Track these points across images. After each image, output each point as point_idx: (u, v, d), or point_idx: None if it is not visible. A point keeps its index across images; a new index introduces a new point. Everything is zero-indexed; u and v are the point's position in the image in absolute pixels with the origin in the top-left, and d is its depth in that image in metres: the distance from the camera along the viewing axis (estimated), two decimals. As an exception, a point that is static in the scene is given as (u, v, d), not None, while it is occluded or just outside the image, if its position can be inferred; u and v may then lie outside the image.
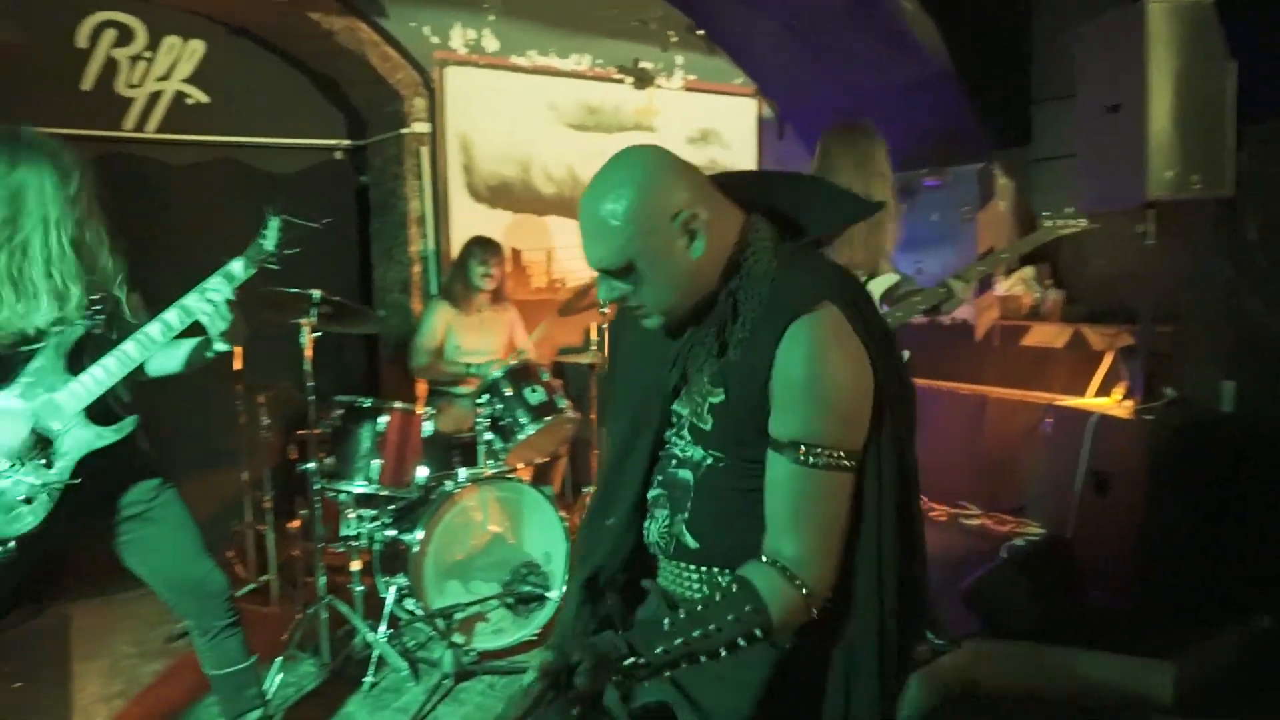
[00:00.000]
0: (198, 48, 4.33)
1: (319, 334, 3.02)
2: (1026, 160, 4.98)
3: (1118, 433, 3.57)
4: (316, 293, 2.95)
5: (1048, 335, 4.64)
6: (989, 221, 4.93)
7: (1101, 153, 3.60)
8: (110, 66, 4.15)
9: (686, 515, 1.40)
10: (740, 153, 5.50)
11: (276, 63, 4.59)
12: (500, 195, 4.69)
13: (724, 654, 1.25)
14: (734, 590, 1.26)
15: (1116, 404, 3.79)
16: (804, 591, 1.26)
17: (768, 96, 5.59)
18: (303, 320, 2.95)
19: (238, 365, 3.57)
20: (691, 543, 1.40)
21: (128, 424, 2.12)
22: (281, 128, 4.59)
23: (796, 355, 1.26)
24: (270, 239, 2.11)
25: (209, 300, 2.03)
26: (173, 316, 2.06)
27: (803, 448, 1.26)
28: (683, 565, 1.43)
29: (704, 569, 1.41)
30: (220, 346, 2.12)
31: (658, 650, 1.22)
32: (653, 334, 1.44)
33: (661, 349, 1.46)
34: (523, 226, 4.78)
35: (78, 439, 2.04)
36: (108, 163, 3.77)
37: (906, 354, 3.01)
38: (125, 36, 4.16)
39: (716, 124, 5.39)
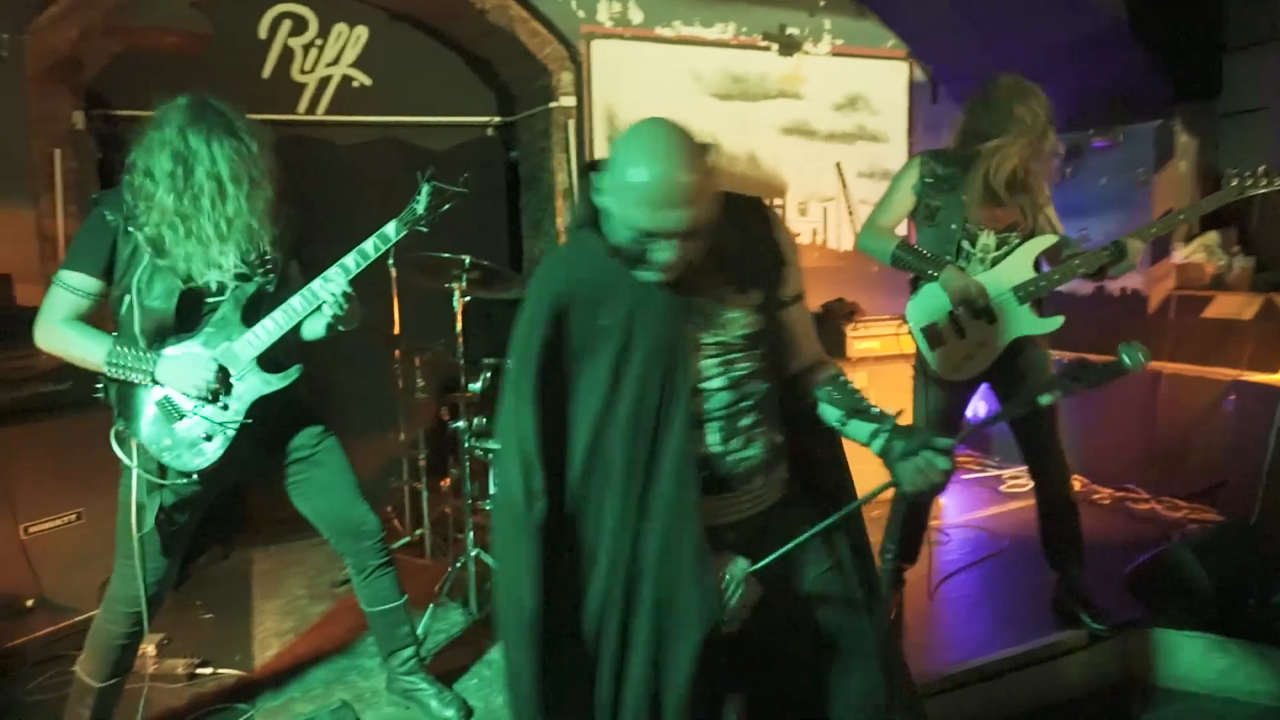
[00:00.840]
0: (362, 33, 4.59)
1: (469, 299, 3.16)
2: (1213, 115, 4.54)
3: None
4: (467, 258, 3.08)
5: (1233, 306, 4.23)
6: (1167, 184, 4.55)
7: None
8: (286, 55, 4.47)
9: (753, 426, 1.66)
10: (890, 118, 5.30)
11: (432, 44, 4.80)
12: (643, 167, 4.72)
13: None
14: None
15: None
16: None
17: (920, 59, 5.35)
18: (454, 285, 3.09)
19: (396, 330, 3.79)
20: (758, 452, 1.67)
21: (293, 372, 2.30)
22: (437, 107, 4.80)
23: (785, 232, 1.75)
24: (422, 203, 2.23)
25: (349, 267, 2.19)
26: (332, 272, 2.22)
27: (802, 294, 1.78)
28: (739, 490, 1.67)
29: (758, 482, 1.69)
30: (338, 326, 2.25)
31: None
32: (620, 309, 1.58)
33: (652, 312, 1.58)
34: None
35: (251, 385, 2.23)
36: (284, 144, 4.05)
37: (1059, 320, 2.84)
38: (299, 26, 4.47)
39: (866, 89, 5.22)
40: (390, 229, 2.24)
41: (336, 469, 2.40)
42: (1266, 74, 4.28)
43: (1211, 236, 4.45)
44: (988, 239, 2.84)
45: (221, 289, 2.21)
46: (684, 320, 1.59)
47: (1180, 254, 4.51)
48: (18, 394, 3.15)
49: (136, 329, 2.15)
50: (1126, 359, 1.67)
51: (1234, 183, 2.75)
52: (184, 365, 2.15)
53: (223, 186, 2.11)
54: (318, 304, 2.22)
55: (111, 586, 2.31)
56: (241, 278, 2.21)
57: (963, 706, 2.76)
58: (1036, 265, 2.84)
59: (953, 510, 4.32)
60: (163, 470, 2.21)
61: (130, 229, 2.13)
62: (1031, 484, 3.14)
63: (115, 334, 2.18)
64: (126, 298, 2.15)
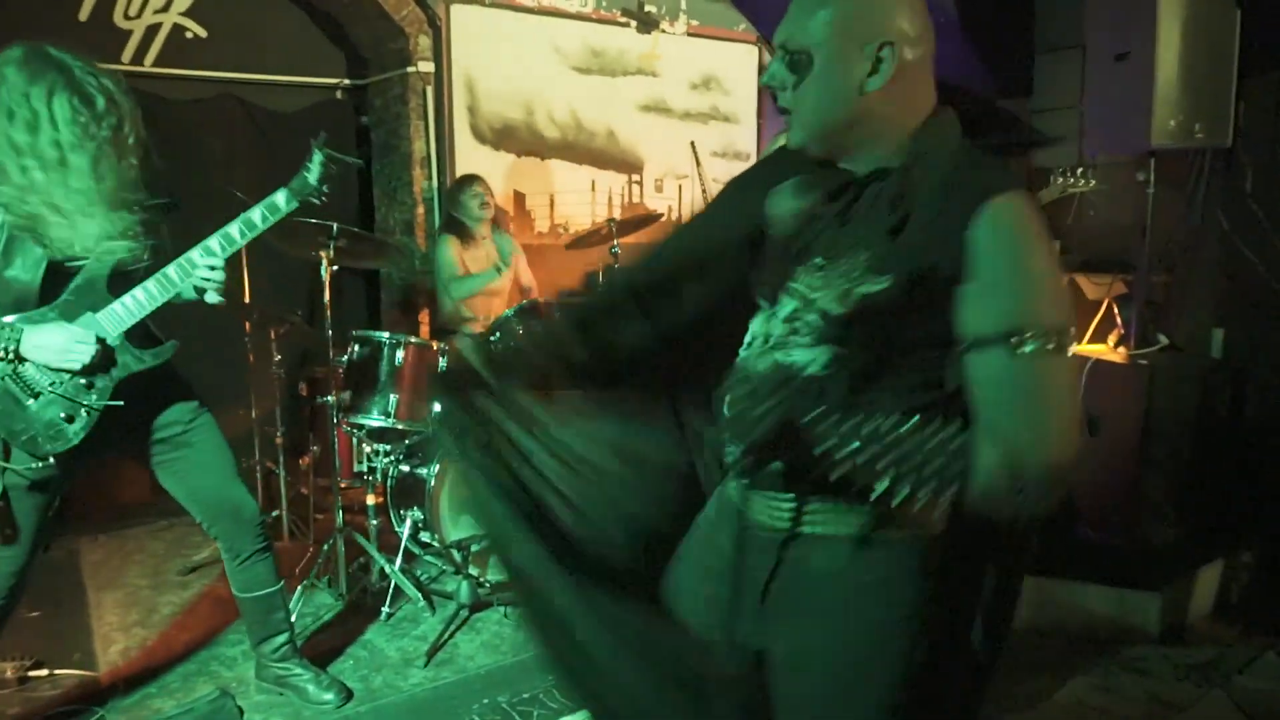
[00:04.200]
0: (196, -21, 4.24)
1: (335, 268, 3.02)
2: (1028, 111, 5.00)
3: (1111, 377, 3.66)
4: (334, 224, 2.95)
5: (1043, 285, 4.71)
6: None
7: (1107, 101, 3.64)
8: (108, -3, 4.06)
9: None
10: (741, 100, 5.48)
11: (275, -2, 4.51)
12: (504, 137, 4.67)
13: (892, 487, 1.00)
14: (952, 433, 1.00)
15: (1110, 350, 3.89)
16: (1020, 488, 1.04)
17: (769, 44, 5.56)
18: (323, 253, 2.95)
19: (246, 299, 3.56)
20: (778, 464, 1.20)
21: (167, 349, 2.14)
22: (280, 66, 4.52)
23: (1006, 239, 1.10)
24: (314, 173, 2.12)
25: (232, 238, 2.06)
26: (214, 242, 2.07)
27: (1017, 337, 1.07)
28: (770, 495, 1.25)
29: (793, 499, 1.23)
30: (212, 299, 2.14)
31: (842, 427, 1.02)
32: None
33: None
34: (526, 169, 4.76)
35: (120, 361, 2.05)
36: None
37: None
38: (122, -35, 4.07)
39: (719, 71, 5.37)
40: (280, 199, 2.12)
41: (211, 448, 2.26)
42: (1071, 76, 4.76)
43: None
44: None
45: (83, 255, 2.01)
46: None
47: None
48: None
49: None
50: None
51: (1059, 181, 3.07)
52: (55, 339, 1.95)
53: (68, 155, 1.92)
54: (193, 276, 2.07)
55: None
56: (108, 242, 2.02)
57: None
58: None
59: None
60: (7, 451, 2.00)
61: None
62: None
63: None
64: None
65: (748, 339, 1.30)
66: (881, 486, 0.99)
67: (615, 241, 4.07)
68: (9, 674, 2.65)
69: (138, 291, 2.05)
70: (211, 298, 2.14)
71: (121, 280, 2.06)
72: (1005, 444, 1.05)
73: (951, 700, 1.32)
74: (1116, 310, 3.99)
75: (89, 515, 3.84)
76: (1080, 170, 3.05)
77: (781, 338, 1.24)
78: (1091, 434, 3.67)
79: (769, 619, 1.26)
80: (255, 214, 2.10)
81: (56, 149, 1.91)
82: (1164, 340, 3.71)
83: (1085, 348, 4.13)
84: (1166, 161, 3.60)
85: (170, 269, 2.05)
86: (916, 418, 1.00)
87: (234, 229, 2.09)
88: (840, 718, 1.26)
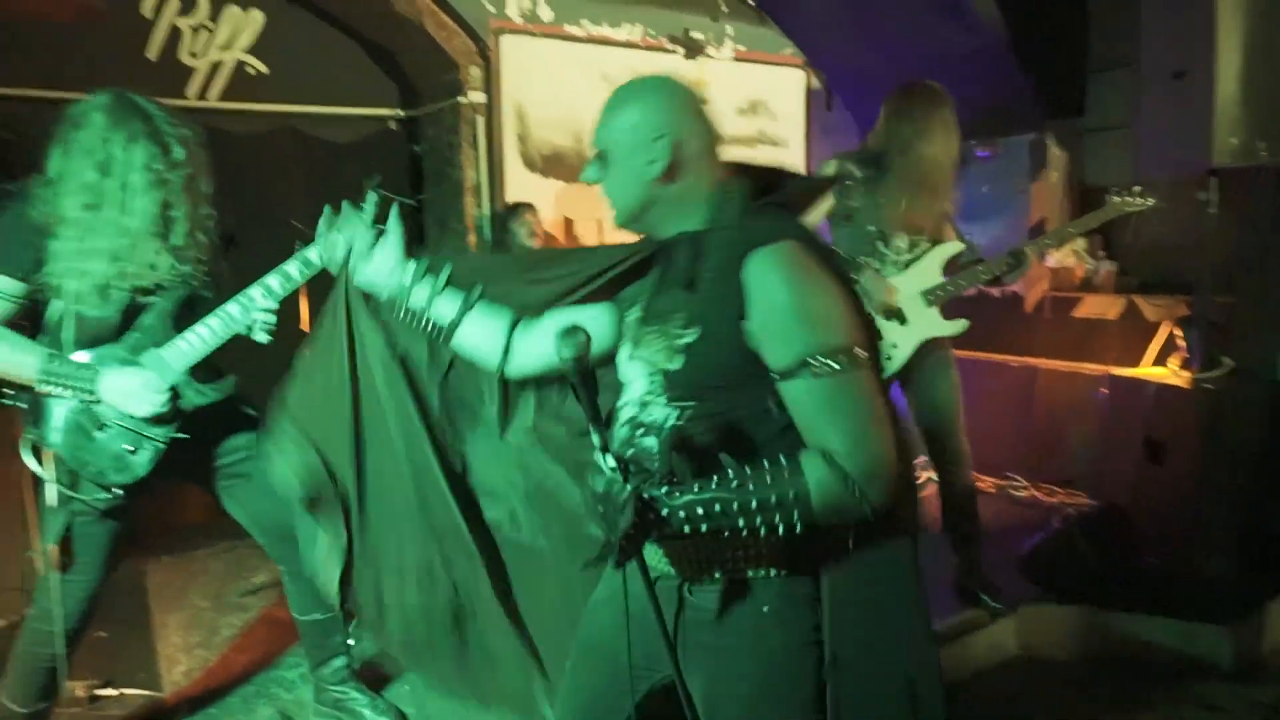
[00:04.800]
0: (257, 18, 4.39)
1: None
2: (1079, 131, 4.94)
3: (1176, 402, 3.58)
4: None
5: (1100, 306, 4.63)
6: (1041, 193, 4.92)
7: (1163, 120, 3.58)
8: (174, 36, 4.22)
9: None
10: (788, 124, 5.50)
11: (331, 33, 4.63)
12: (553, 164, 4.74)
13: (753, 532, 1.24)
14: (780, 466, 1.24)
15: (1173, 374, 3.80)
16: (853, 485, 1.23)
17: (816, 68, 5.57)
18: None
19: (305, 327, 3.64)
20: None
21: (228, 384, 2.20)
22: (337, 97, 4.65)
23: (772, 282, 1.29)
24: (368, 213, 2.18)
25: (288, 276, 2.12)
26: (273, 281, 2.13)
27: (812, 361, 1.26)
28: (652, 548, 1.40)
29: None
30: (260, 338, 2.18)
31: (684, 497, 1.23)
32: None
33: None
34: (575, 196, 4.82)
35: (183, 395, 2.11)
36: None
37: (965, 323, 3.05)
38: (188, 6, 4.23)
39: (765, 95, 5.39)
40: None
41: None
42: (1124, 95, 4.69)
43: (1080, 242, 4.85)
44: (900, 241, 3.00)
45: (152, 292, 2.09)
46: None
47: (1053, 258, 4.89)
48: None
49: (67, 337, 2.01)
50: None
51: (1115, 200, 3.02)
52: (129, 383, 2.02)
53: (136, 198, 2.01)
54: (257, 310, 2.12)
55: (35, 605, 2.15)
56: (173, 280, 2.10)
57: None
58: (944, 270, 3.03)
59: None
60: (75, 482, 2.07)
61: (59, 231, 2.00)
62: (926, 475, 3.33)
63: (40, 338, 2.03)
64: (57, 303, 2.01)
65: (619, 407, 1.43)
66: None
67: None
68: (79, 692, 2.72)
69: (200, 328, 2.12)
70: (260, 336, 2.19)
71: (185, 316, 2.13)
72: (827, 455, 1.25)
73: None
74: (1178, 333, 3.90)
75: (153, 537, 3.92)
76: (1138, 190, 3.00)
77: (642, 398, 1.40)
78: (1153, 460, 3.58)
79: (683, 655, 1.35)
80: (311, 252, 2.16)
81: (123, 191, 2.01)
82: (1228, 363, 3.61)
83: (1146, 371, 4.04)
84: (1227, 180, 3.53)
85: (231, 306, 2.12)
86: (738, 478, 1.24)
87: (292, 267, 2.14)
88: None
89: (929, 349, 3.03)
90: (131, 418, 2.06)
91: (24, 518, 3.14)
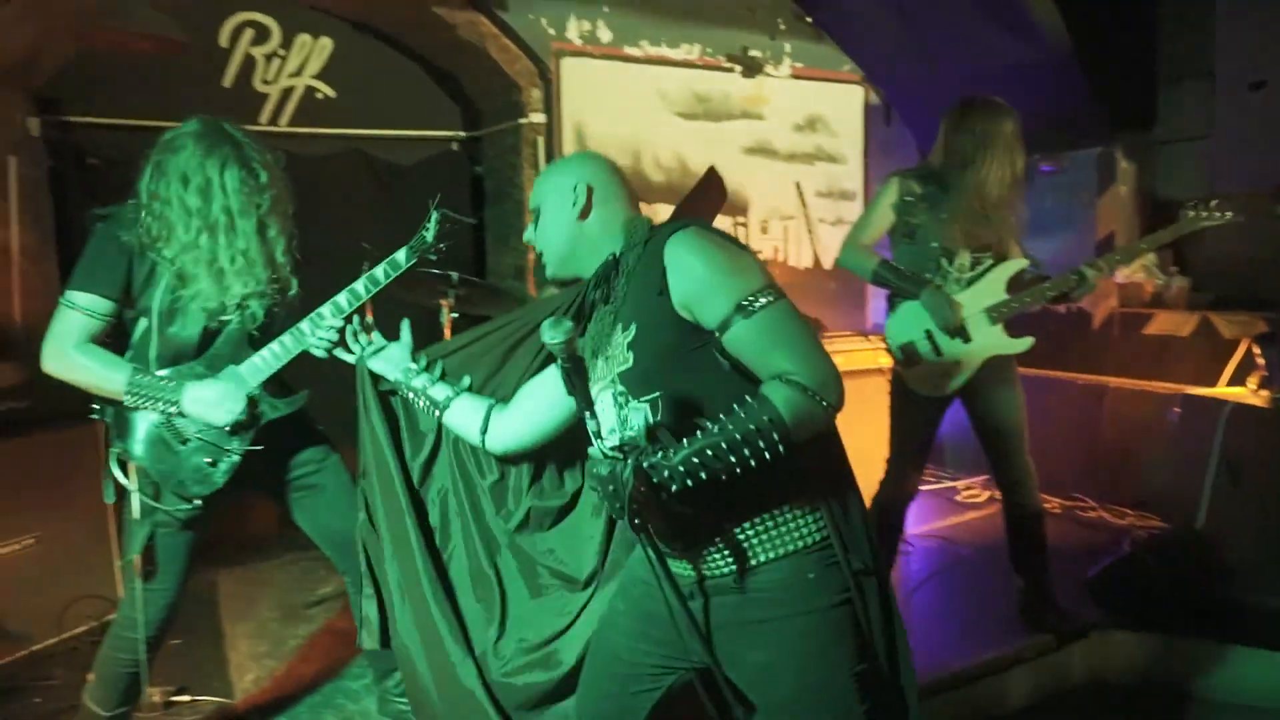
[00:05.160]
0: (326, 45, 4.54)
1: (455, 315, 3.14)
2: (1150, 143, 4.81)
3: (1253, 422, 3.45)
4: (454, 274, 3.07)
5: (1172, 323, 4.49)
6: (1109, 207, 4.80)
7: (1240, 131, 3.48)
8: (248, 64, 4.39)
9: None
10: (847, 140, 5.47)
11: (397, 57, 4.77)
12: (612, 183, 4.78)
13: (746, 466, 1.39)
14: (749, 402, 1.40)
15: (1251, 393, 3.66)
16: (812, 393, 1.40)
17: (874, 83, 5.54)
18: (444, 301, 3.08)
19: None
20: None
21: (300, 398, 2.27)
22: (401, 120, 4.78)
23: (685, 256, 1.49)
24: (431, 231, 2.23)
25: (357, 293, 2.19)
26: (342, 299, 2.20)
27: (741, 304, 1.44)
28: (665, 549, 1.56)
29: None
30: (319, 353, 2.23)
31: (679, 455, 1.38)
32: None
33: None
34: (632, 214, 4.85)
35: (260, 408, 2.19)
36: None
37: (1030, 340, 2.99)
38: (262, 35, 4.40)
39: (824, 111, 5.38)
40: (401, 256, 2.23)
41: (339, 488, 2.38)
42: (1198, 106, 4.56)
43: (1150, 257, 4.71)
44: (963, 258, 2.96)
45: (227, 313, 2.18)
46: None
47: (1122, 274, 4.76)
48: (-29, 413, 3.03)
49: (152, 354, 2.10)
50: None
51: (1190, 214, 2.93)
52: (212, 395, 2.11)
53: (236, 220, 2.11)
54: (325, 327, 2.19)
55: (119, 613, 2.24)
56: (249, 301, 2.18)
57: (942, 711, 2.86)
58: (1008, 287, 2.98)
59: (913, 521, 4.46)
60: (158, 494, 2.15)
61: (149, 253, 2.09)
62: (989, 494, 3.26)
63: (129, 356, 2.13)
64: (143, 321, 2.10)
65: (592, 432, 1.52)
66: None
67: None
68: (156, 698, 2.81)
69: (274, 345, 2.19)
70: (318, 353, 2.24)
71: (260, 333, 2.22)
72: (783, 377, 1.41)
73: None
74: (1257, 350, 3.76)
75: (223, 549, 4.04)
76: (1214, 203, 2.91)
77: (619, 416, 1.50)
78: (1233, 484, 3.45)
79: (737, 636, 1.55)
80: (379, 271, 2.22)
81: (226, 214, 2.11)
82: (1311, 383, 3.47)
83: (1223, 390, 3.90)
84: (1309, 193, 3.41)
85: (303, 323, 2.18)
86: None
87: (359, 285, 2.20)
88: (814, 706, 1.54)
89: (993, 366, 2.98)
90: (210, 430, 2.14)
91: (107, 529, 3.26)
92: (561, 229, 1.68)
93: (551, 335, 1.42)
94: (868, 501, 1.99)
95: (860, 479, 1.65)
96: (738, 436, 1.38)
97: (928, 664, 2.95)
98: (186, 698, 2.86)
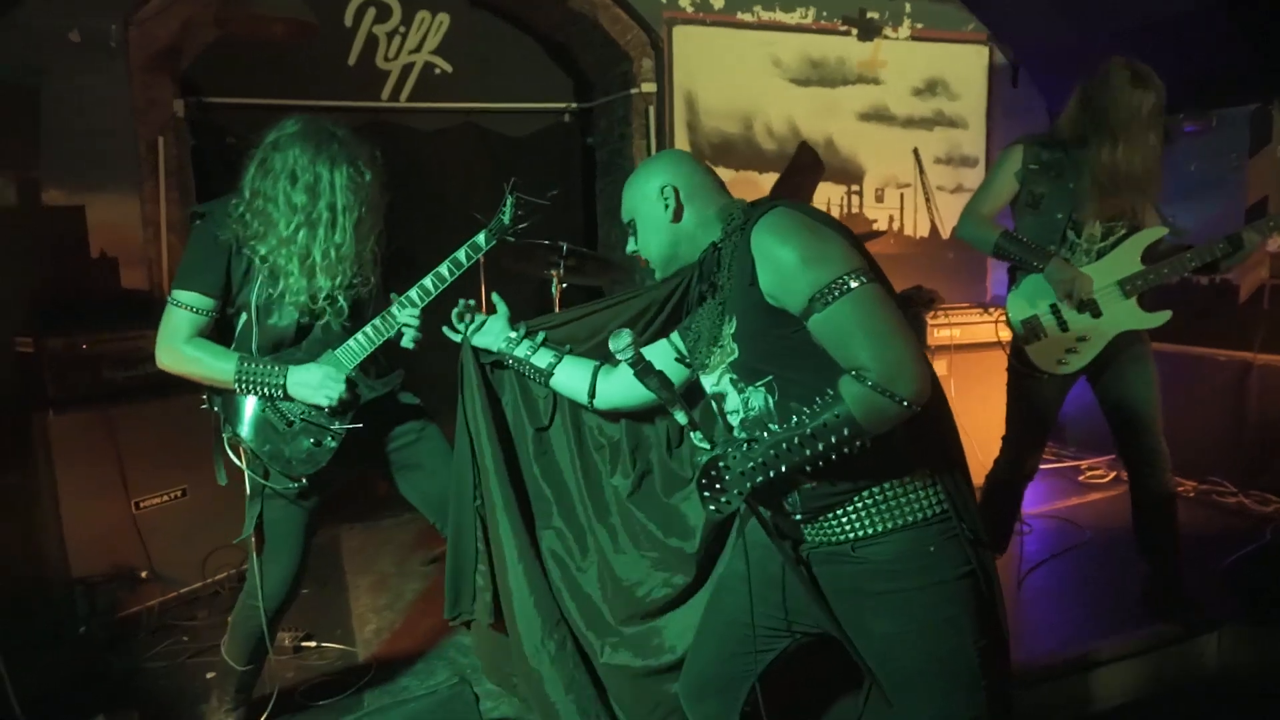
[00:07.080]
0: (444, 20, 4.65)
1: (565, 285, 3.20)
2: (1310, 99, 4.40)
3: None
4: (564, 244, 3.12)
5: (1331, 297, 4.13)
6: (1261, 169, 4.43)
7: None
8: (371, 42, 4.54)
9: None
10: (969, 103, 5.23)
11: (511, 31, 4.85)
12: (723, 153, 4.74)
13: (822, 459, 1.45)
14: (820, 400, 1.46)
15: None
16: (882, 390, 1.41)
17: (1001, 42, 5.27)
18: (554, 271, 3.14)
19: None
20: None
21: (395, 378, 2.37)
22: (515, 93, 4.86)
23: (769, 243, 1.51)
24: (508, 214, 2.27)
25: (435, 283, 2.24)
26: (428, 282, 2.25)
27: (816, 296, 1.45)
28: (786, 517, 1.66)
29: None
30: (407, 344, 2.28)
31: (758, 449, 1.47)
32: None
33: None
34: (744, 184, 4.80)
35: (359, 389, 2.28)
36: (369, 131, 4.15)
37: (1167, 314, 2.81)
38: (384, 14, 4.54)
39: (945, 73, 5.15)
40: (480, 239, 2.28)
41: (437, 456, 2.45)
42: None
43: (1308, 225, 4.33)
44: (1094, 229, 2.80)
45: (324, 301, 2.24)
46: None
47: (1274, 243, 4.40)
48: (130, 373, 3.28)
49: (254, 346, 2.22)
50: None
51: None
52: (313, 379, 2.20)
53: (339, 217, 2.16)
54: (415, 309, 2.25)
55: (246, 580, 2.40)
56: (336, 294, 2.24)
57: (1061, 696, 2.76)
58: (1143, 258, 2.80)
59: (1032, 500, 4.29)
60: (267, 473, 2.27)
61: (244, 250, 2.18)
62: (1114, 474, 3.10)
63: (233, 347, 2.23)
64: (244, 315, 2.21)
65: (729, 414, 1.66)
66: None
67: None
68: (287, 642, 3.02)
69: (367, 329, 2.27)
70: (407, 343, 2.30)
71: (354, 316, 2.29)
72: (856, 372, 1.43)
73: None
74: None
75: (348, 506, 4.28)
76: None
77: (740, 399, 1.63)
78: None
79: (862, 605, 1.60)
80: (461, 254, 2.26)
81: (330, 211, 2.17)
82: None
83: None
84: None
85: (394, 307, 2.26)
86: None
87: (444, 269, 2.25)
88: (941, 676, 1.57)
89: (1124, 342, 2.82)
90: (313, 412, 2.24)
91: (245, 485, 3.48)
92: (660, 234, 1.75)
93: (615, 346, 1.57)
94: (981, 479, 1.94)
95: (978, 454, 1.62)
96: (809, 431, 1.44)
97: (1046, 647, 2.86)
98: (313, 644, 3.06)
